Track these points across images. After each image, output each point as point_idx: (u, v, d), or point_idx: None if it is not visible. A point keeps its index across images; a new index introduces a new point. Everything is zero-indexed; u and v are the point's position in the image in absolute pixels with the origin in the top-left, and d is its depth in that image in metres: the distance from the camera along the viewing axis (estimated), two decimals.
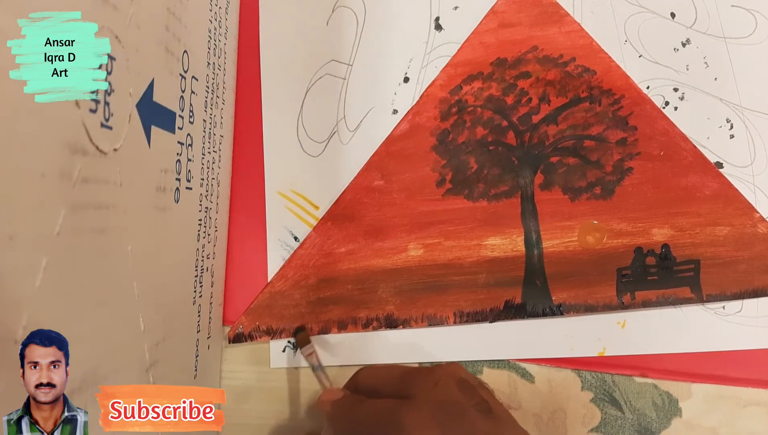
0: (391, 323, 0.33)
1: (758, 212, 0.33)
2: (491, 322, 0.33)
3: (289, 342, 0.33)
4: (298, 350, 0.32)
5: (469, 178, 0.34)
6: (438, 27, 0.35)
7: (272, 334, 0.33)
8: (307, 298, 0.33)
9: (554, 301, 0.32)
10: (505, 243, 0.33)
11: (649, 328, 0.32)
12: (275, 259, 0.33)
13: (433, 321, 0.33)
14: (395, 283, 0.33)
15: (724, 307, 0.32)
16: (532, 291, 0.33)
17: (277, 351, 0.33)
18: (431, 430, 0.21)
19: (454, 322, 0.33)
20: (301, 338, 0.32)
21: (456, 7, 0.35)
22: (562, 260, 0.33)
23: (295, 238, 0.34)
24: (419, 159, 0.34)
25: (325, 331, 0.33)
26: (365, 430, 0.22)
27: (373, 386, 0.25)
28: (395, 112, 0.34)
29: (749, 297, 0.32)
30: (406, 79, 0.34)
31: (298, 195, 0.34)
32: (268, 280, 0.33)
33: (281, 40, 0.35)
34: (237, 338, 0.33)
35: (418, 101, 0.34)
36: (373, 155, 0.34)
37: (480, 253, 0.33)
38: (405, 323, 0.33)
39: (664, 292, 0.32)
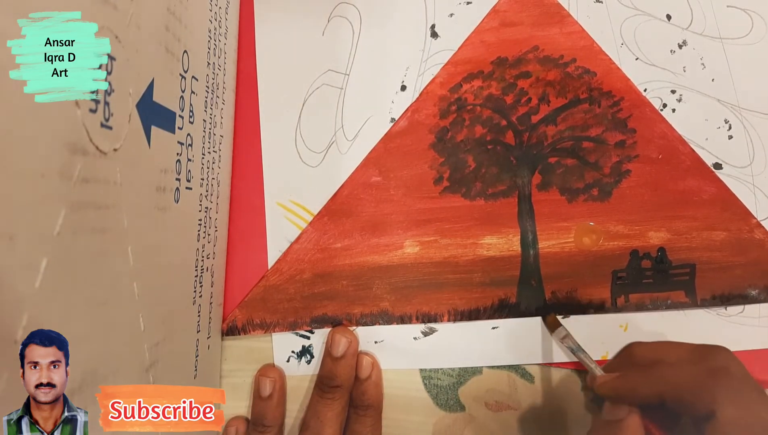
0: (386, 320, 0.33)
1: (755, 218, 0.33)
2: (487, 319, 0.33)
3: (292, 351, 0.33)
4: (550, 335, 0.32)
5: (466, 177, 0.34)
6: (434, 34, 0.35)
7: (266, 327, 0.33)
8: (302, 293, 0.33)
9: (548, 301, 0.33)
10: (501, 242, 0.33)
11: (651, 330, 0.32)
12: (274, 263, 0.34)
13: (428, 318, 0.33)
14: (390, 279, 0.33)
15: (726, 308, 0.33)
16: (526, 291, 0.33)
17: (281, 359, 0.33)
18: (759, 393, 0.24)
19: (449, 320, 0.33)
20: (551, 322, 0.31)
21: (452, 14, 0.35)
22: (558, 261, 0.33)
23: None
24: (417, 156, 0.34)
25: (318, 326, 0.33)
26: (676, 394, 0.25)
27: (658, 359, 0.27)
28: (393, 120, 0.34)
29: (744, 303, 0.32)
30: (403, 88, 0.35)
31: (297, 205, 0.34)
32: None
33: (277, 52, 0.35)
34: (230, 331, 0.33)
35: (417, 98, 0.34)
36: (372, 151, 0.34)
37: (476, 251, 0.33)
38: (399, 320, 0.33)
39: (658, 295, 0.32)
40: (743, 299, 0.32)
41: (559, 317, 0.32)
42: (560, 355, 0.33)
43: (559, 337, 0.31)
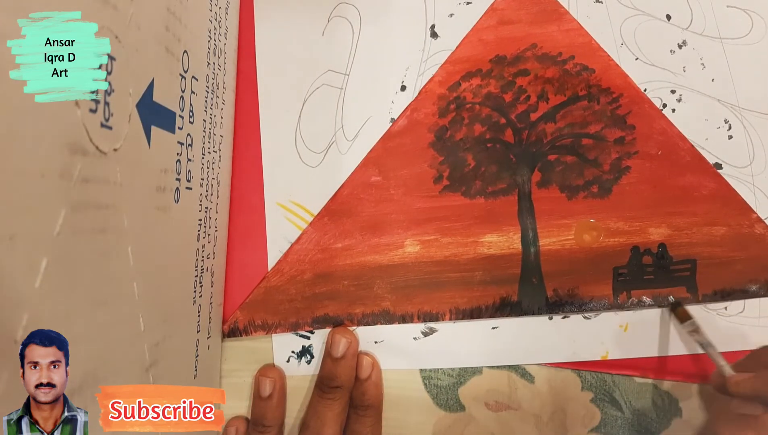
0: (387, 319, 0.33)
1: (755, 212, 0.33)
2: (489, 317, 0.33)
3: (292, 352, 0.33)
4: (679, 326, 0.31)
5: (466, 175, 0.34)
6: (434, 35, 0.35)
7: (267, 328, 0.33)
8: (303, 294, 0.33)
9: (550, 299, 0.33)
10: (502, 240, 0.33)
11: (651, 330, 0.32)
12: (275, 264, 0.34)
13: (429, 317, 0.33)
14: (391, 279, 0.33)
15: (726, 308, 0.33)
16: (528, 289, 0.33)
17: (281, 359, 0.33)
18: None
19: (450, 319, 0.33)
20: (681, 314, 0.31)
21: (451, 14, 0.35)
22: (559, 258, 0.33)
23: None
24: (417, 155, 0.34)
25: (319, 326, 0.33)
26: None
27: None
28: (393, 120, 0.34)
29: (745, 298, 0.32)
30: (403, 88, 0.34)
31: (297, 205, 0.34)
32: None
33: (277, 52, 0.35)
34: (232, 332, 0.33)
35: (416, 97, 0.34)
36: (371, 151, 0.34)
37: (477, 250, 0.33)
38: (401, 320, 0.33)
39: (660, 291, 0.33)
40: (744, 294, 0.32)
41: (688, 308, 0.32)
42: (560, 355, 0.33)
43: (687, 329, 0.31)
